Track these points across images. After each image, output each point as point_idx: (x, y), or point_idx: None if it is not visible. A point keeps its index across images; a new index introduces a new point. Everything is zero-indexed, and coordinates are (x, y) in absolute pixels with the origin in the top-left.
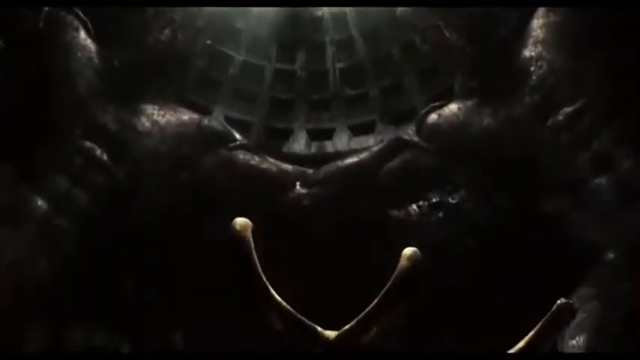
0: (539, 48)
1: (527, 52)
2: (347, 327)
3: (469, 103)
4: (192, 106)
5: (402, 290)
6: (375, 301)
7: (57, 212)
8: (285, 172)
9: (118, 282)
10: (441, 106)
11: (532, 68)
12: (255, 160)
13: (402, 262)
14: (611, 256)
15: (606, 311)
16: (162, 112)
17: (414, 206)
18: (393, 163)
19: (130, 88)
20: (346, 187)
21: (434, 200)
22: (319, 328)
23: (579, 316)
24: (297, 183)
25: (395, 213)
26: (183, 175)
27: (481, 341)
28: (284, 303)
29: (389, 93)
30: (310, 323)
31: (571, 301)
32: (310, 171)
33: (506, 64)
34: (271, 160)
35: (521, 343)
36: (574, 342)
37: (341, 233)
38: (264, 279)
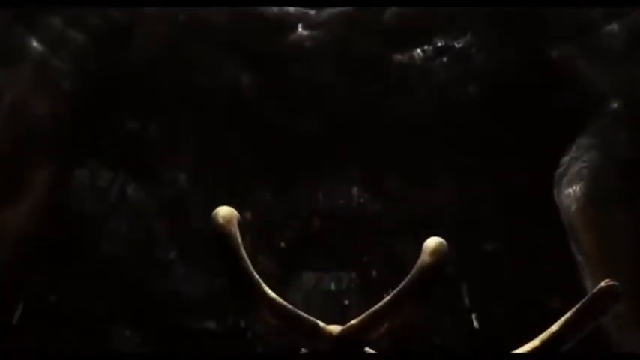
0: None
1: None
2: (353, 322)
3: None
4: None
5: (421, 288)
6: (388, 297)
7: (53, 53)
8: (286, 13)
9: (120, 121)
10: None
11: None
12: None
13: (424, 256)
14: (614, 105)
15: (605, 160)
16: None
17: (419, 50)
18: None
19: None
20: (349, 30)
21: (439, 44)
22: (321, 323)
23: (578, 165)
24: (299, 25)
25: (398, 57)
26: (180, 15)
27: (476, 186)
28: (279, 299)
29: None
30: (311, 318)
31: (616, 284)
32: (312, 12)
33: None
34: None
35: (554, 327)
36: (570, 190)
37: (342, 76)
38: (257, 277)
